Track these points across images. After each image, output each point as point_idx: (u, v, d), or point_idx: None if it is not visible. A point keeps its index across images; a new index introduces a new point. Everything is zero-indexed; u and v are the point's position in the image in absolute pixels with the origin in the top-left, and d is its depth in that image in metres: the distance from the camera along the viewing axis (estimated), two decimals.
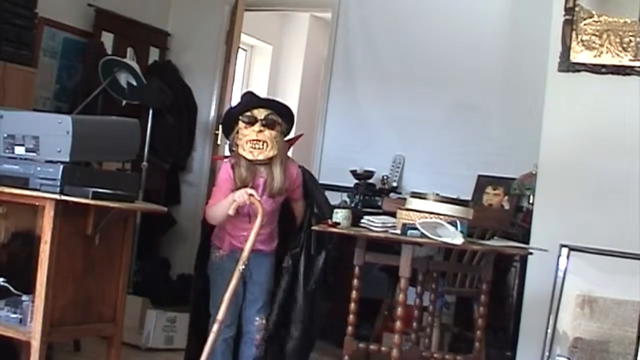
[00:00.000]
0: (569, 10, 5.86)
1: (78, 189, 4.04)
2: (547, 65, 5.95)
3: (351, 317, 5.03)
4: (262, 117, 4.68)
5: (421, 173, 7.69)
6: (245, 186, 4.61)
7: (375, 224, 4.84)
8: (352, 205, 7.42)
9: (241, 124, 4.69)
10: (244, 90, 5.75)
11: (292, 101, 11.24)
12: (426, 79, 7.85)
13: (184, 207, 8.39)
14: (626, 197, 5.55)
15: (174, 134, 8.18)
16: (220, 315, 4.33)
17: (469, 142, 7.53)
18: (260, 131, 4.64)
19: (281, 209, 4.90)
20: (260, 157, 4.63)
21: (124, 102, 7.44)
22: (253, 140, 4.63)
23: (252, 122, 4.67)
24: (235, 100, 7.41)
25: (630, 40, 5.67)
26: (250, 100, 4.83)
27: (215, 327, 4.33)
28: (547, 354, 5.20)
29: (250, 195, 4.51)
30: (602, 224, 5.58)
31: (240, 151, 4.66)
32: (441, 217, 4.61)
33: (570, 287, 5.24)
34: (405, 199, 5.10)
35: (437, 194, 4.80)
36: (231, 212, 4.50)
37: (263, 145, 4.63)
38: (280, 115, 4.76)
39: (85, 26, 7.70)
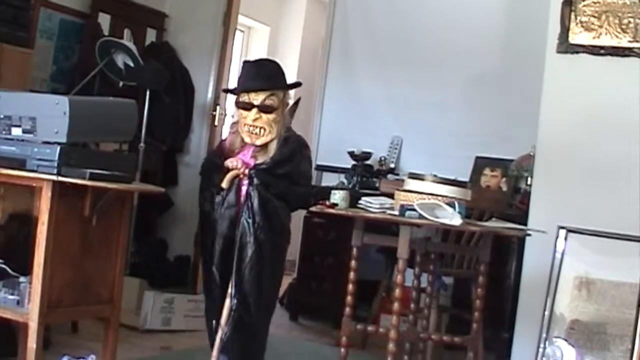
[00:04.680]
0: None
1: (75, 170, 4.03)
2: (545, 47, 5.94)
3: (349, 298, 5.03)
4: (259, 102, 4.44)
5: (419, 154, 7.70)
6: (231, 154, 4.53)
7: (373, 205, 4.83)
8: (350, 186, 7.42)
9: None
10: (244, 60, 5.39)
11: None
12: (424, 61, 7.85)
13: (181, 189, 8.37)
14: (625, 179, 5.55)
15: (171, 115, 8.17)
16: None
17: (466, 123, 7.53)
18: (257, 118, 4.44)
19: None
20: (258, 142, 4.47)
21: (121, 83, 7.42)
22: (250, 125, 4.46)
23: (248, 108, 4.46)
24: (233, 80, 7.37)
25: (630, 22, 5.66)
26: (244, 85, 4.55)
27: None
28: (544, 335, 5.20)
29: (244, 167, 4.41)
30: (601, 205, 5.58)
31: (239, 129, 4.53)
32: (439, 198, 4.62)
33: (568, 269, 5.23)
34: (403, 180, 5.10)
35: (435, 175, 4.79)
36: (224, 184, 4.40)
37: (260, 130, 4.45)
38: (279, 88, 4.53)
39: (82, 7, 7.67)
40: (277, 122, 4.48)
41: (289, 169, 4.45)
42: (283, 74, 4.63)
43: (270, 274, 4.46)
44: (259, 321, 4.49)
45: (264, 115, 4.45)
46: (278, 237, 4.48)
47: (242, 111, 4.50)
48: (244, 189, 4.42)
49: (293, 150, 4.50)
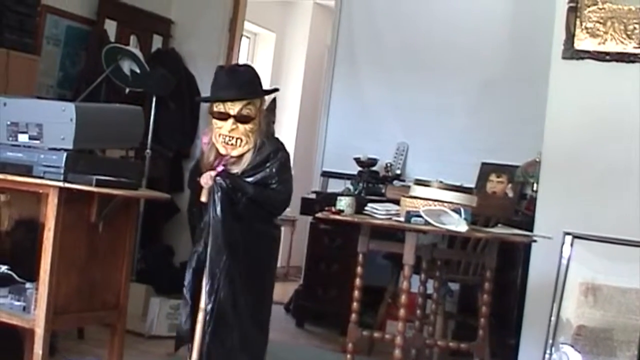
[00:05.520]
0: None
1: (81, 176, 4.04)
2: (551, 53, 5.94)
3: (355, 304, 5.02)
4: (235, 112, 4.27)
5: (425, 160, 7.69)
6: (208, 167, 4.37)
7: (379, 211, 4.84)
8: (356, 192, 7.42)
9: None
10: (218, 66, 5.05)
11: (295, 89, 11.26)
12: (430, 67, 7.85)
13: (187, 195, 8.31)
14: (630, 185, 5.55)
15: (177, 121, 8.18)
16: None
17: (472, 129, 7.52)
18: (233, 129, 4.28)
19: None
20: (234, 153, 4.31)
21: (127, 89, 7.43)
22: (226, 135, 4.30)
23: (224, 118, 4.30)
24: None
25: (635, 28, 5.66)
26: (219, 94, 4.38)
27: None
28: (550, 341, 5.20)
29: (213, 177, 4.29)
30: (606, 211, 5.58)
31: (214, 139, 4.37)
32: (445, 204, 4.61)
33: (574, 274, 5.24)
34: (409, 187, 5.11)
35: (441, 182, 4.80)
36: (203, 198, 4.31)
37: (237, 141, 4.29)
38: (256, 97, 4.36)
39: (88, 14, 7.69)
40: (253, 131, 4.32)
41: (261, 176, 4.33)
42: (259, 80, 4.47)
43: (252, 284, 4.33)
44: (240, 338, 4.31)
45: (240, 126, 4.29)
46: (257, 244, 4.38)
47: (217, 121, 4.34)
48: None
49: (266, 156, 4.34)
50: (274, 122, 4.71)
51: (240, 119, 4.28)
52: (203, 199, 4.31)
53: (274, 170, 4.34)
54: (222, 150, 4.34)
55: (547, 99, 5.95)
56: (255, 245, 4.37)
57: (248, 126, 4.30)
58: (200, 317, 4.32)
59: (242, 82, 4.36)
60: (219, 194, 4.24)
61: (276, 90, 4.73)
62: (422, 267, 5.47)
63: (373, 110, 8.10)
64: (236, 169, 4.34)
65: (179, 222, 8.34)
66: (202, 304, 4.32)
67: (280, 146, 4.46)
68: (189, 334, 4.41)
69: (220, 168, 4.32)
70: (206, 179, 4.29)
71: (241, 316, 4.30)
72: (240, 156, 4.35)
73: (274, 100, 4.88)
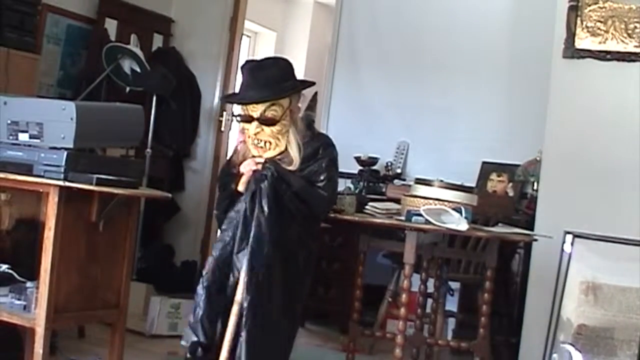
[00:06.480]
0: None
1: (82, 175, 4.04)
2: (551, 52, 5.94)
3: (356, 303, 5.02)
4: (258, 115, 4.04)
5: (425, 159, 7.69)
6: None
7: (379, 210, 4.84)
8: (356, 191, 7.41)
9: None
10: (245, 60, 4.61)
11: None
12: (430, 65, 7.84)
13: (188, 194, 8.39)
14: (631, 184, 5.55)
15: (177, 120, 8.17)
16: None
17: (473, 128, 7.52)
18: (258, 132, 4.06)
19: None
20: (266, 155, 4.09)
21: (128, 88, 7.42)
22: (253, 138, 4.09)
23: (248, 120, 4.07)
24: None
25: (636, 27, 5.65)
26: (240, 95, 4.20)
27: None
28: (551, 340, 5.20)
29: (258, 163, 4.05)
30: (607, 210, 5.58)
31: (246, 140, 4.18)
32: (446, 203, 4.61)
33: (575, 273, 5.24)
34: (409, 186, 5.11)
35: (442, 181, 4.80)
36: (241, 188, 4.12)
37: (265, 144, 4.08)
38: (280, 97, 4.06)
39: (89, 13, 7.68)
40: (283, 133, 4.09)
41: (309, 170, 4.13)
42: (289, 76, 4.18)
43: (282, 279, 4.11)
44: (272, 329, 4.07)
45: (266, 128, 4.06)
46: (294, 247, 4.15)
47: (243, 123, 4.14)
48: None
49: (316, 149, 4.16)
50: (313, 121, 4.50)
51: (264, 121, 4.05)
52: (240, 188, 4.12)
53: (323, 165, 4.16)
54: (254, 152, 4.13)
55: (547, 98, 5.95)
56: (292, 249, 4.15)
57: (275, 128, 4.06)
58: (235, 310, 4.04)
59: (264, 82, 4.08)
60: (265, 183, 3.97)
61: (310, 84, 4.39)
62: (422, 265, 5.47)
63: (374, 109, 8.09)
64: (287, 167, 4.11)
65: (180, 221, 8.35)
66: (238, 297, 4.03)
67: (330, 142, 4.29)
68: (210, 329, 4.16)
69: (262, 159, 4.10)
70: (250, 165, 4.08)
71: (276, 313, 4.07)
72: (284, 154, 4.12)
73: (315, 95, 4.54)
